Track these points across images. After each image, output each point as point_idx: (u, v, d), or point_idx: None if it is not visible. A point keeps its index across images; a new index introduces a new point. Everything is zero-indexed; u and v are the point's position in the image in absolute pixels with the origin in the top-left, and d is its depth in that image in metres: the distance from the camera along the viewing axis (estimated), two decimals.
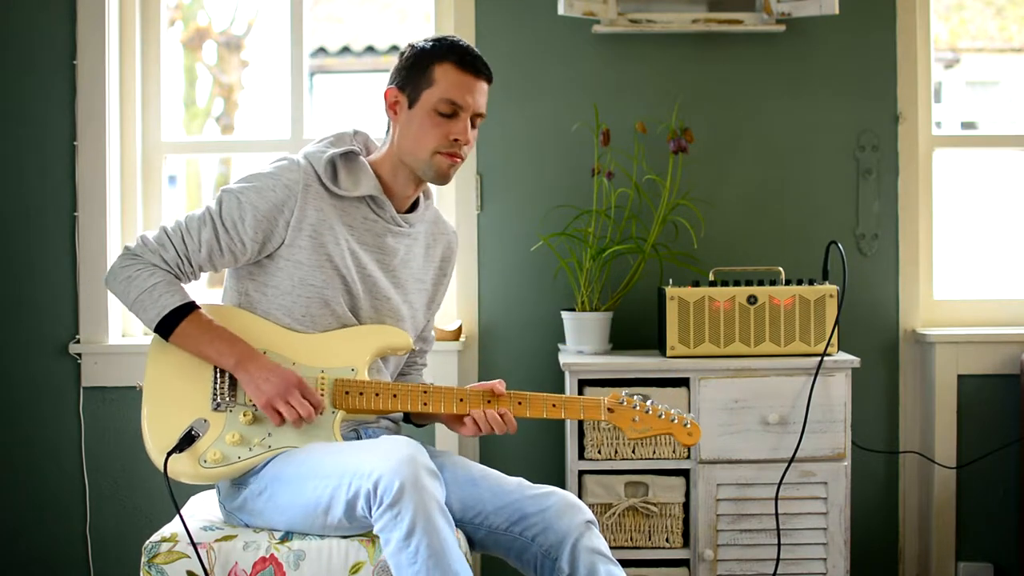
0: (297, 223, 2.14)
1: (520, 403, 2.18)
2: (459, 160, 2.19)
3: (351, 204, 2.19)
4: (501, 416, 2.15)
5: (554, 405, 2.18)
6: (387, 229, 2.23)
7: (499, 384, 2.18)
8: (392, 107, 2.20)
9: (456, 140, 2.16)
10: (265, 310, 2.18)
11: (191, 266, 2.16)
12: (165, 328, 2.12)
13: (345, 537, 2.06)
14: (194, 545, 2.04)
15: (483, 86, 2.19)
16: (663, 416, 2.20)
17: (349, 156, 2.21)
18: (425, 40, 2.21)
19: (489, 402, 2.17)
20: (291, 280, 2.16)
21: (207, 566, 2.04)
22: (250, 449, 2.09)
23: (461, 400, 2.17)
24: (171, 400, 2.12)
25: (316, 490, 2.02)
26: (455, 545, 1.91)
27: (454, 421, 2.24)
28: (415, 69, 2.17)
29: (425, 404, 2.16)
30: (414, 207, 2.30)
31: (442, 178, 2.20)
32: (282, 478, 2.08)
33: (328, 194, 2.17)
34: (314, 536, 2.07)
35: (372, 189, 2.19)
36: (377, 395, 2.15)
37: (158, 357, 2.15)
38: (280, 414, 2.08)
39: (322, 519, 2.04)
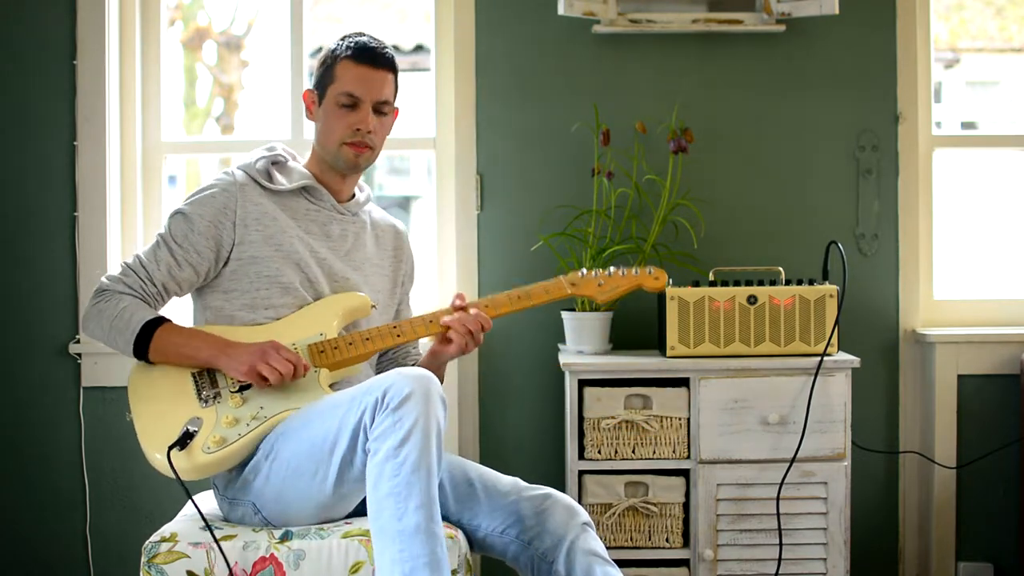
0: (242, 221, 2.25)
1: (487, 306, 2.31)
2: (366, 149, 2.32)
3: (289, 199, 2.31)
4: (471, 315, 2.25)
5: (520, 297, 2.33)
6: (331, 217, 2.35)
7: (459, 297, 2.29)
8: (309, 108, 2.37)
9: (358, 130, 2.29)
10: (229, 314, 2.26)
11: (155, 286, 2.24)
12: (141, 343, 2.17)
13: (346, 536, 2.06)
14: (208, 526, 2.06)
15: (383, 76, 2.31)
16: (625, 273, 2.37)
17: (278, 162, 2.35)
18: (334, 41, 2.35)
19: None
20: (248, 277, 2.25)
21: (223, 551, 2.04)
22: (247, 424, 2.12)
23: (431, 322, 2.28)
24: (161, 414, 2.15)
25: (324, 424, 2.03)
26: (437, 474, 1.92)
27: (439, 350, 2.31)
28: (322, 69, 2.33)
29: (399, 336, 2.27)
30: (352, 199, 2.42)
31: (353, 167, 2.34)
32: (289, 430, 2.10)
33: (266, 192, 2.30)
34: (314, 535, 2.07)
35: (306, 179, 2.32)
36: (351, 344, 2.24)
37: (137, 385, 2.21)
38: (262, 375, 2.12)
39: (325, 464, 2.03)
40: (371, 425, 1.95)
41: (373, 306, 2.35)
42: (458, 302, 2.29)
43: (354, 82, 2.28)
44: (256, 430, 2.12)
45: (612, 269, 2.37)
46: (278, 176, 2.32)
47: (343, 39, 2.33)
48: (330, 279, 2.30)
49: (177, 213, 2.26)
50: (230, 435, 2.10)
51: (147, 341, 2.17)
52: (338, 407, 2.02)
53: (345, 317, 2.29)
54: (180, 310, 2.38)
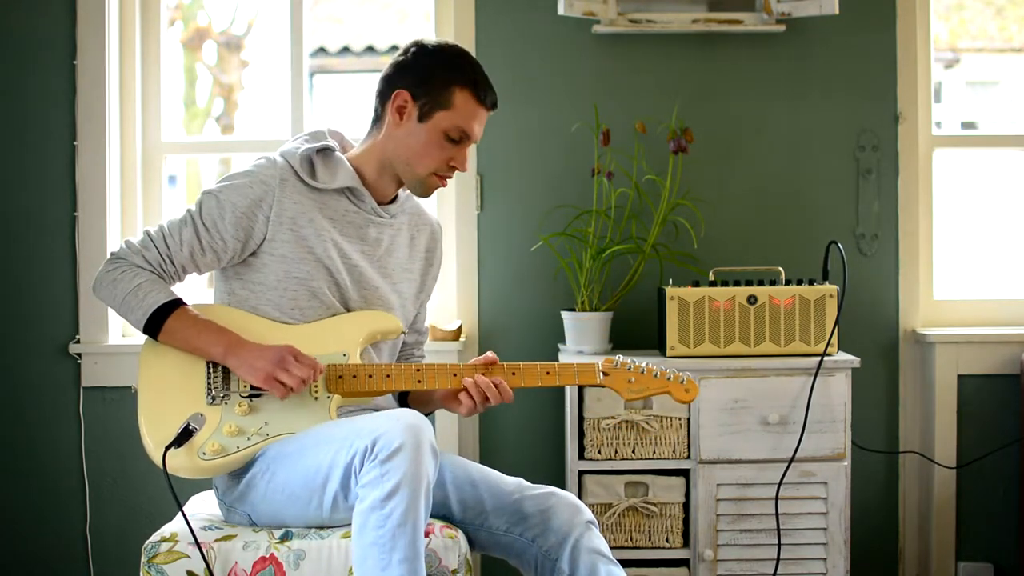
0: (277, 217, 2.16)
1: (514, 373, 2.19)
2: (447, 181, 2.27)
3: (330, 197, 2.22)
4: (495, 385, 2.15)
5: (548, 372, 2.20)
6: (368, 220, 2.25)
7: (491, 355, 2.20)
8: (399, 110, 2.20)
9: (453, 167, 2.23)
10: (253, 306, 2.19)
11: (174, 266, 2.17)
12: (153, 326, 2.13)
13: (346, 537, 2.06)
14: (195, 538, 2.04)
15: (488, 116, 2.25)
16: (658, 375, 2.21)
17: (325, 152, 2.24)
18: (441, 48, 2.22)
19: (483, 375, 2.18)
20: (276, 275, 2.18)
21: (209, 563, 2.03)
22: (248, 439, 2.10)
23: (455, 375, 2.17)
24: (166, 399, 2.12)
25: (318, 457, 2.01)
26: (423, 527, 1.90)
27: (450, 401, 2.24)
28: (433, 84, 2.19)
29: (419, 382, 2.17)
30: (393, 199, 2.32)
31: (427, 194, 2.27)
32: (284, 453, 2.08)
33: (306, 188, 2.20)
34: (314, 535, 2.07)
35: (349, 181, 2.21)
36: (370, 377, 2.16)
37: (150, 359, 2.16)
38: (283, 383, 2.07)
39: (319, 495, 2.02)
40: (360, 470, 1.93)
41: (407, 340, 2.30)
42: (491, 358, 2.19)
43: (472, 121, 2.20)
44: (256, 446, 2.10)
45: (645, 367, 2.22)
46: (321, 171, 2.21)
47: (457, 57, 2.21)
48: (358, 287, 2.23)
49: (210, 194, 2.16)
50: (229, 446, 2.08)
51: (159, 323, 2.12)
52: (332, 442, 2.00)
53: (371, 338, 2.22)
54: (194, 290, 2.35)
